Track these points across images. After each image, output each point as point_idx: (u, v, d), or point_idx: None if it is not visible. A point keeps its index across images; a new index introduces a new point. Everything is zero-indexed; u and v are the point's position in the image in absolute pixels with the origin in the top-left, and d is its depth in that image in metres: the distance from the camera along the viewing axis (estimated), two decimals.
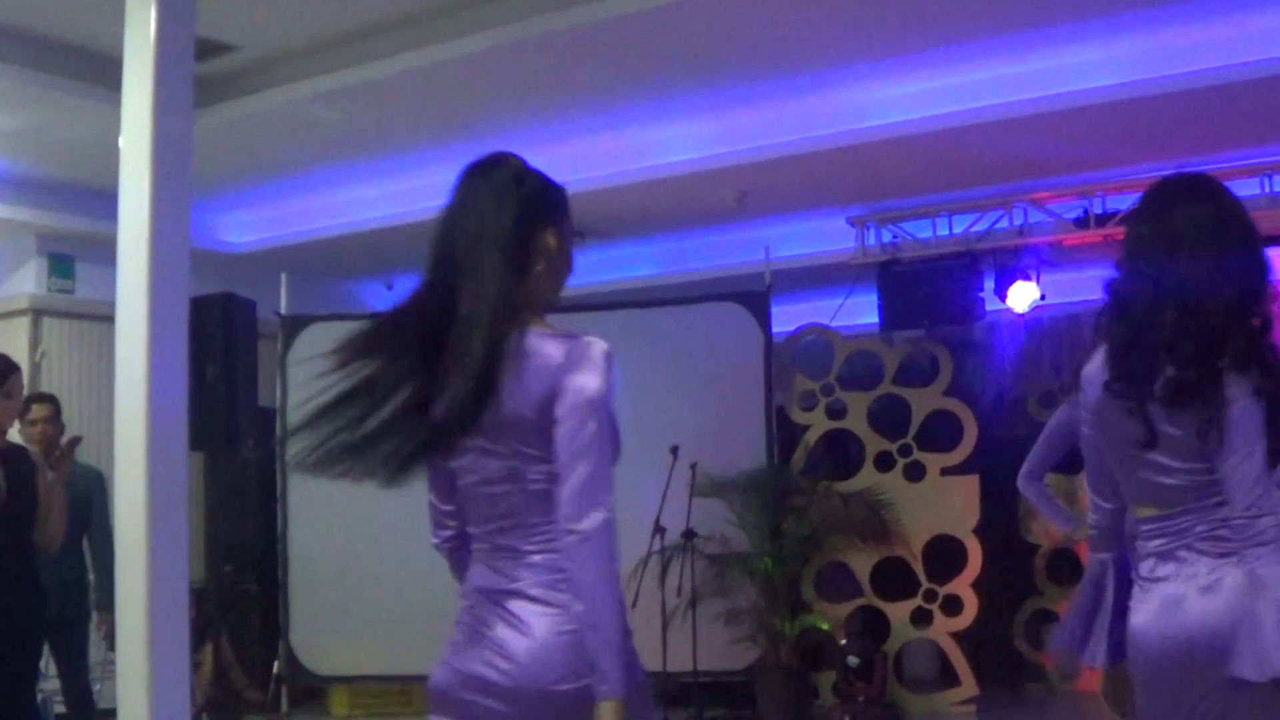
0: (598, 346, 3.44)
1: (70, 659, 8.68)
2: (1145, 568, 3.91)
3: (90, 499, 8.69)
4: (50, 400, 8.97)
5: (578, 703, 3.30)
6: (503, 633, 3.45)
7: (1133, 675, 3.95)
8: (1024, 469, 6.83)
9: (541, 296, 3.63)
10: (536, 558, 3.47)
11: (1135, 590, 3.94)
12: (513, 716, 3.40)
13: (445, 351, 3.44)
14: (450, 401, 3.42)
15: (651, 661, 11.17)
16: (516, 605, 3.46)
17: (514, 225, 3.50)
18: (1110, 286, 3.92)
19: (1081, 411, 4.12)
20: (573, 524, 3.33)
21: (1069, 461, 6.93)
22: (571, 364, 3.39)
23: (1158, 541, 3.87)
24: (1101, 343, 3.95)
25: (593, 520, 3.32)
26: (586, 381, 3.39)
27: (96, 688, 9.97)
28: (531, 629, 3.40)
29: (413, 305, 3.55)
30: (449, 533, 3.89)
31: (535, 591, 3.44)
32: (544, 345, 3.44)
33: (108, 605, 8.90)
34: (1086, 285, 12.37)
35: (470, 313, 3.42)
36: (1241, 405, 3.62)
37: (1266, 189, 10.67)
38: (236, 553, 13.00)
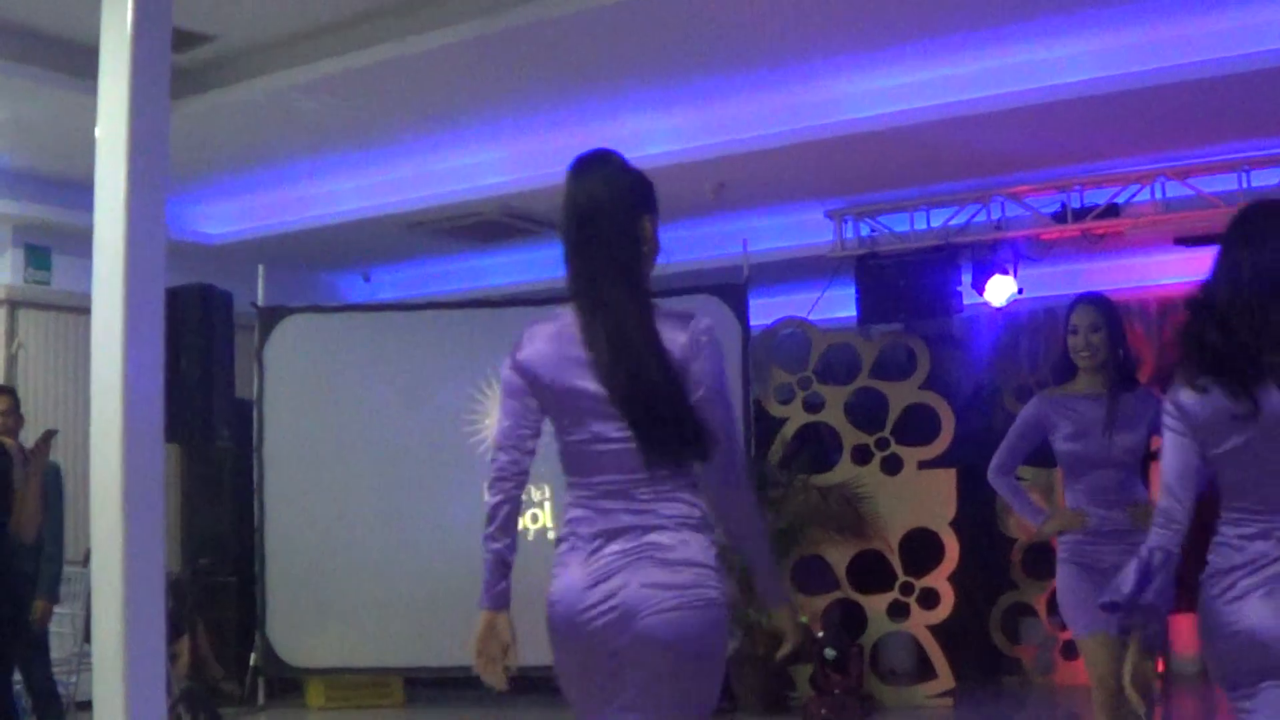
0: (711, 330, 4.15)
1: (31, 651, 8.65)
2: (1225, 556, 4.23)
3: (46, 492, 8.66)
4: (9, 393, 8.95)
5: (724, 603, 4.07)
6: (647, 562, 4.06)
7: (1213, 658, 4.26)
8: (994, 462, 6.92)
9: (645, 274, 4.24)
10: (663, 503, 4.10)
11: (1215, 576, 4.22)
12: (680, 623, 4.00)
13: (598, 327, 4.09)
14: (626, 361, 4.06)
15: None
16: (653, 537, 4.07)
17: (625, 213, 4.18)
18: (1203, 305, 4.26)
19: (1180, 430, 4.29)
20: (729, 479, 4.16)
21: (1045, 455, 6.96)
22: (697, 349, 4.10)
23: (1246, 530, 4.20)
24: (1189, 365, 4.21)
25: (741, 478, 4.20)
26: (713, 367, 4.12)
27: (72, 680, 9.96)
28: (678, 553, 4.04)
29: (569, 282, 4.21)
30: (520, 469, 4.26)
31: (669, 526, 4.07)
32: (663, 326, 4.11)
33: (50, 595, 8.89)
34: (1064, 279, 12.49)
35: (630, 282, 4.13)
36: None
37: (1244, 184, 10.69)
38: (213, 545, 12.99)
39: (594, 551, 4.13)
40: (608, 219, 4.15)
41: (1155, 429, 6.61)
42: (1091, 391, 6.61)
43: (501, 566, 4.29)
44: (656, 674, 4.04)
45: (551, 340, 4.21)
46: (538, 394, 4.22)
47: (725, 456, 4.12)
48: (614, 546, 4.10)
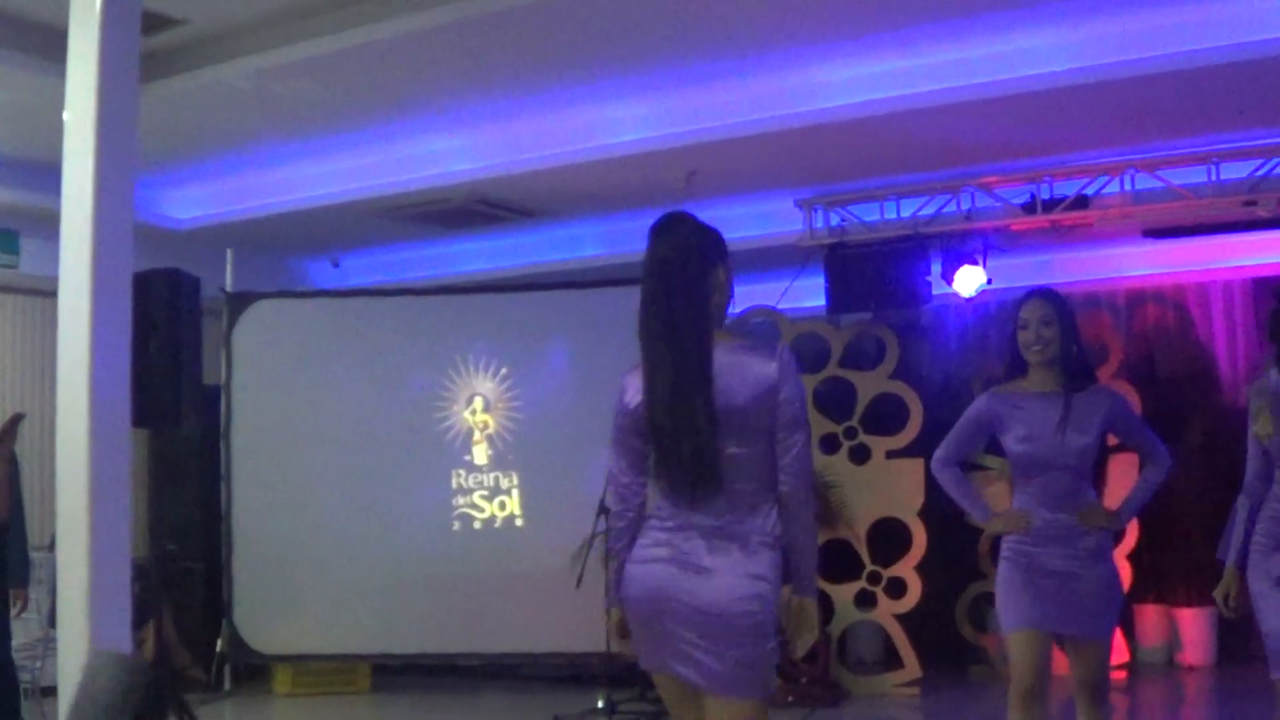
0: (790, 354, 4.89)
1: None
2: None
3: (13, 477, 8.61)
4: None
5: (773, 605, 4.73)
6: (722, 559, 4.76)
7: None
8: (939, 454, 6.94)
9: (716, 317, 4.96)
10: (745, 516, 4.80)
11: None
12: (738, 611, 4.70)
13: (659, 361, 4.84)
14: (661, 396, 4.81)
15: (595, 641, 11.18)
16: (730, 543, 4.77)
17: (697, 265, 4.94)
18: None
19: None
20: (796, 479, 4.79)
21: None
22: (785, 372, 4.81)
23: None
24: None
25: (808, 476, 4.82)
26: (796, 390, 4.85)
27: (37, 665, 9.93)
28: (749, 564, 4.74)
29: (642, 319, 4.94)
30: (638, 499, 5.03)
31: (749, 538, 4.77)
32: (746, 356, 4.85)
33: (25, 582, 8.84)
34: (1033, 270, 12.52)
35: (675, 331, 4.82)
36: None
37: (1213, 177, 10.72)
38: (179, 530, 12.95)
39: (677, 544, 4.82)
40: (677, 275, 4.91)
41: (1109, 427, 6.58)
42: (1043, 389, 6.55)
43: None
44: (714, 643, 4.71)
45: (635, 390, 4.99)
46: (640, 431, 4.96)
47: (794, 452, 4.81)
48: (697, 543, 4.79)
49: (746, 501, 4.82)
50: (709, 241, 5.07)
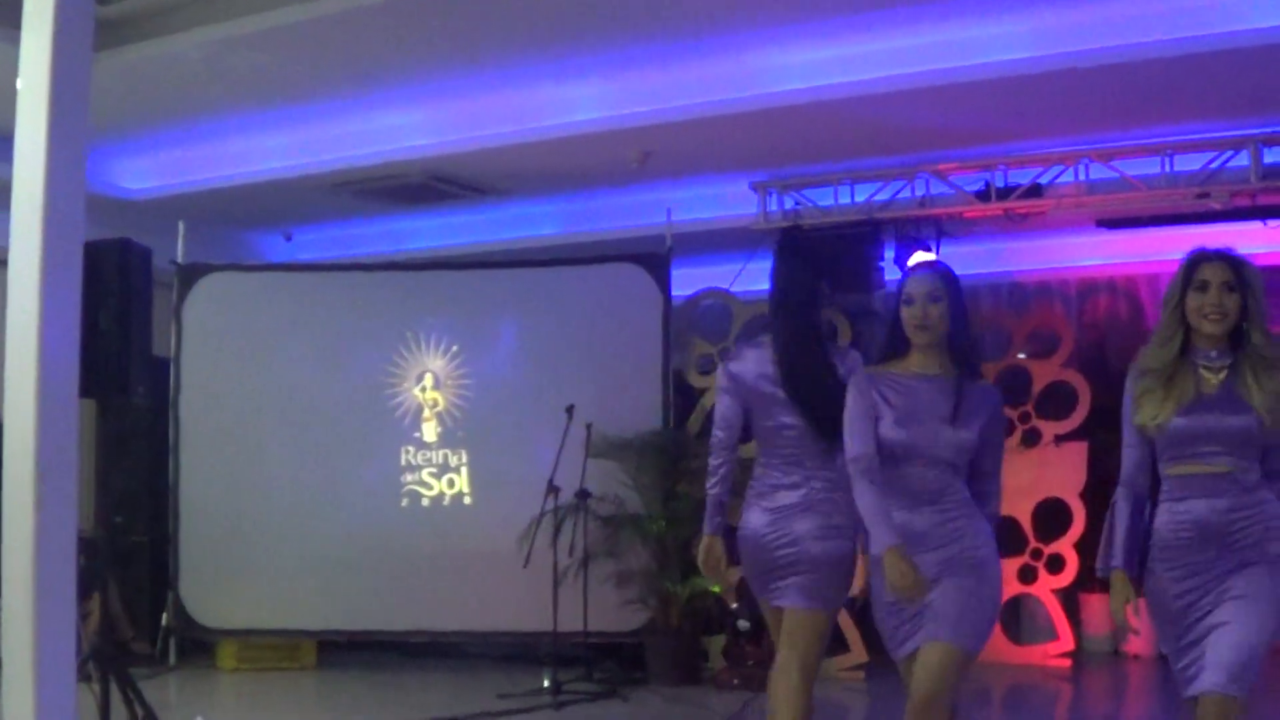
0: (859, 359, 6.42)
1: None
2: None
3: None
4: None
5: (851, 540, 6.27)
6: (808, 509, 6.30)
7: None
8: (853, 451, 5.86)
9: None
10: (821, 470, 6.33)
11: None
12: (825, 549, 6.27)
13: (781, 351, 6.49)
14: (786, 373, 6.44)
15: (542, 621, 11.18)
16: (813, 494, 6.31)
17: (813, 279, 6.61)
18: None
19: None
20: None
21: None
22: (848, 370, 6.27)
23: None
24: None
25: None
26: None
27: None
28: (825, 507, 6.29)
29: (772, 320, 6.61)
30: (733, 440, 6.53)
31: (822, 488, 6.32)
32: (829, 358, 6.41)
33: None
34: (986, 258, 12.55)
35: (793, 332, 6.48)
36: None
37: (1167, 168, 10.77)
38: (126, 503, 12.91)
39: (774, 498, 6.34)
40: (798, 290, 6.56)
41: (984, 430, 5.85)
42: (925, 373, 5.88)
43: (718, 506, 6.44)
44: (808, 576, 6.23)
45: (753, 360, 6.52)
46: (742, 393, 6.51)
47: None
48: (789, 497, 6.32)
49: (822, 459, 6.34)
50: (820, 265, 6.78)
